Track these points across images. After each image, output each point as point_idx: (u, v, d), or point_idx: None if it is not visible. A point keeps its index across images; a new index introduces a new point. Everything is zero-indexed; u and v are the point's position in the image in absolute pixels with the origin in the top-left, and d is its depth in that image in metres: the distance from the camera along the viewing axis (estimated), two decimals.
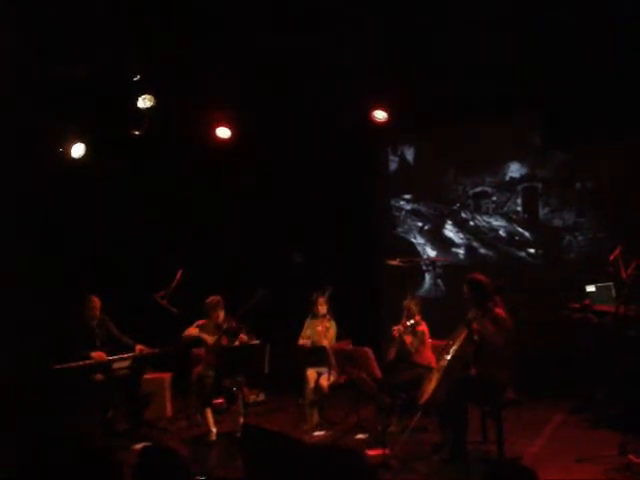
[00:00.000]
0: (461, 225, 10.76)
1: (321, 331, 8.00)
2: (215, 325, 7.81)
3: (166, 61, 7.87)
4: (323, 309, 8.08)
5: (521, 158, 10.36)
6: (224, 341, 7.69)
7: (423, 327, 7.64)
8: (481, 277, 6.52)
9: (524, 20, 7.19)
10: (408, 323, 7.54)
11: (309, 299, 8.18)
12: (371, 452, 6.69)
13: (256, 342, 7.56)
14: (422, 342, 7.57)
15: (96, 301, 7.98)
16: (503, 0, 7.00)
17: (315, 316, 8.14)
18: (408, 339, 7.55)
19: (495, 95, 8.86)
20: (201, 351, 7.93)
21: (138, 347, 7.90)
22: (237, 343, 7.69)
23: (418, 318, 7.64)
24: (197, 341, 7.94)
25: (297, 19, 7.15)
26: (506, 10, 6.98)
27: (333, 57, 7.82)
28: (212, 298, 7.88)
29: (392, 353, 7.65)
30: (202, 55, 7.88)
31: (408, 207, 11.11)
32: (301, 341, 8.14)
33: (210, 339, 7.73)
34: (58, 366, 7.36)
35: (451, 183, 10.80)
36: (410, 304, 7.77)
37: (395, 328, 7.62)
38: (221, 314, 7.83)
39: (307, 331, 8.17)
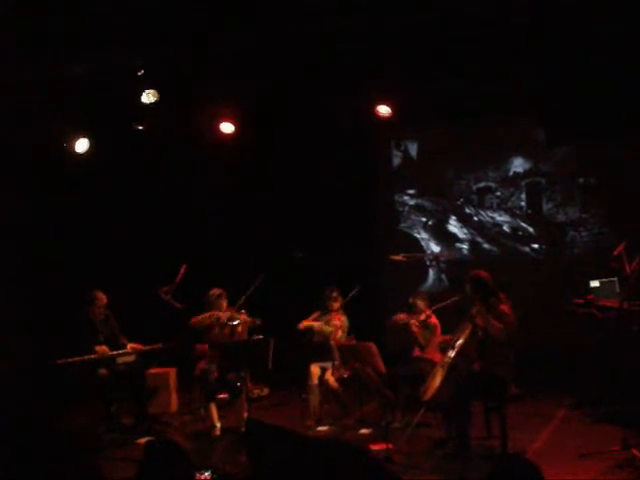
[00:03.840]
0: (465, 220, 10.75)
1: (337, 323, 8.01)
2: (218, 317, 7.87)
3: (170, 58, 7.88)
4: (337, 304, 8.08)
5: (525, 153, 10.36)
6: (226, 331, 7.72)
7: (434, 320, 7.65)
8: (483, 274, 6.52)
9: (525, 20, 7.18)
10: (422, 317, 7.58)
11: (320, 294, 8.17)
12: (375, 447, 6.71)
13: (258, 337, 7.56)
14: (434, 335, 7.59)
15: (102, 297, 8.00)
16: (504, 0, 6.99)
17: (327, 311, 8.12)
18: (420, 334, 7.60)
19: (498, 90, 8.84)
20: (205, 346, 7.95)
21: (129, 345, 7.92)
22: (239, 327, 7.70)
23: (429, 312, 7.64)
24: (201, 337, 7.96)
25: (300, 14, 7.14)
26: (506, 10, 6.97)
27: (336, 53, 7.81)
28: (214, 290, 7.94)
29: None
30: (205, 52, 7.88)
31: (412, 202, 11.10)
32: (301, 326, 8.10)
33: (222, 314, 7.76)
34: (61, 361, 7.37)
35: (455, 178, 10.79)
36: (415, 300, 7.78)
37: (412, 322, 7.62)
38: (223, 305, 7.87)
39: (315, 323, 8.10)
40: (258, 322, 7.70)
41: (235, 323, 7.70)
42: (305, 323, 8.09)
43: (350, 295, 8.03)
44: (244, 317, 7.74)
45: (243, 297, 7.71)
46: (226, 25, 7.34)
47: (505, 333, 6.20)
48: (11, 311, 8.91)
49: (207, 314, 7.85)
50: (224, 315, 7.77)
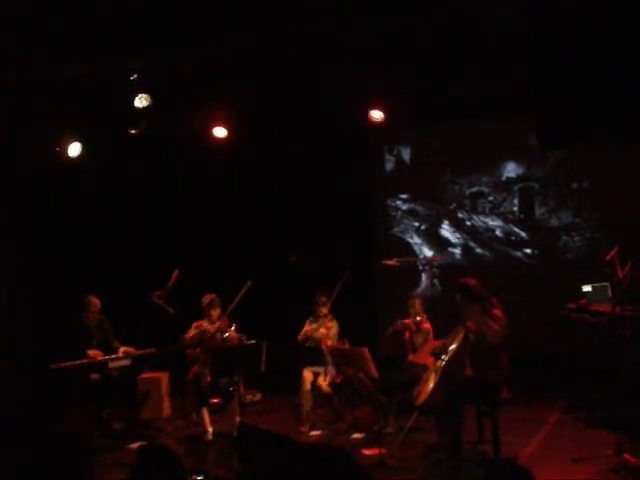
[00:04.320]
0: (458, 225, 10.77)
1: (323, 333, 7.99)
2: (211, 323, 7.86)
3: (164, 61, 7.88)
4: (325, 309, 8.07)
5: (518, 158, 10.38)
6: (218, 338, 7.71)
7: (427, 325, 7.70)
8: (471, 282, 6.50)
9: (523, 19, 7.19)
10: (418, 318, 7.62)
11: (311, 299, 8.16)
12: (367, 452, 6.71)
13: (251, 342, 7.54)
14: (426, 340, 7.62)
15: (96, 303, 7.98)
16: (503, 1, 7.00)
17: (316, 316, 8.12)
18: (415, 336, 7.63)
19: (491, 95, 8.86)
20: (197, 351, 7.93)
21: (122, 349, 7.89)
22: (231, 335, 7.70)
23: (424, 316, 7.69)
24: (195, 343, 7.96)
25: (295, 18, 7.14)
26: (506, 10, 6.98)
27: (330, 57, 7.81)
28: (207, 296, 7.94)
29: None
30: (200, 54, 7.87)
31: (404, 207, 11.12)
32: (300, 337, 8.11)
33: (210, 327, 7.76)
34: (54, 366, 7.34)
35: (448, 183, 10.81)
36: (414, 302, 7.83)
37: (408, 321, 7.66)
38: (215, 312, 7.86)
39: (308, 329, 8.13)
40: (244, 340, 7.68)
41: (225, 335, 7.68)
42: (302, 333, 8.10)
43: (333, 295, 7.95)
44: (233, 334, 7.72)
45: (230, 306, 7.72)
46: (226, 25, 7.33)
47: (500, 336, 6.21)
48: (11, 311, 8.88)
49: (194, 331, 7.85)
50: (212, 328, 7.77)
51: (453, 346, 6.47)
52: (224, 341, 7.70)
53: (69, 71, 7.82)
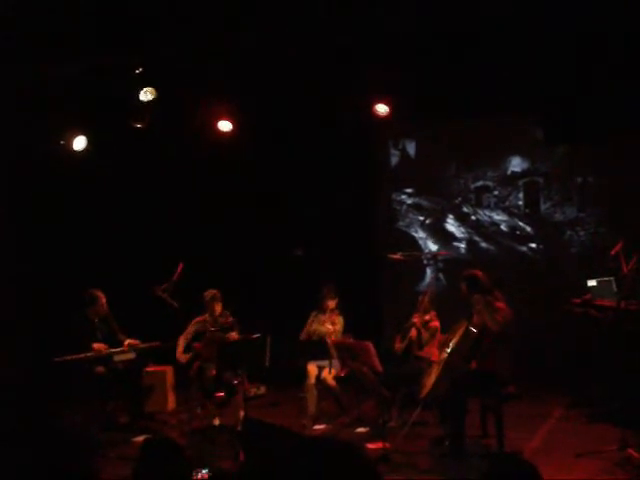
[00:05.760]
0: (462, 219, 10.75)
1: (330, 327, 7.98)
2: (213, 318, 7.89)
3: (168, 54, 7.88)
4: (332, 303, 8.05)
5: (523, 152, 10.35)
6: (219, 336, 7.73)
7: (436, 323, 7.67)
8: (478, 273, 6.54)
9: (524, 17, 7.18)
10: (427, 317, 7.61)
11: (317, 293, 8.15)
12: (371, 446, 6.71)
13: (255, 335, 7.55)
14: (433, 337, 7.60)
15: (103, 297, 7.97)
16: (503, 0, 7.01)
17: (323, 310, 8.10)
18: (422, 333, 7.62)
19: (497, 89, 8.83)
20: (197, 346, 7.93)
21: (126, 342, 7.90)
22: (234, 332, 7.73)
23: (433, 314, 7.67)
24: (195, 337, 7.98)
25: (299, 12, 7.13)
26: (506, 8, 6.98)
27: (335, 50, 7.81)
28: (209, 292, 7.96)
29: (399, 344, 7.68)
30: (204, 50, 7.87)
31: (409, 201, 11.09)
32: (303, 335, 8.11)
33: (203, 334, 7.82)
34: (58, 359, 7.35)
35: (452, 177, 10.79)
36: (423, 299, 7.81)
37: (416, 320, 7.66)
38: (217, 307, 7.88)
39: (312, 326, 8.12)
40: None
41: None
42: (304, 332, 8.10)
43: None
44: (234, 335, 7.74)
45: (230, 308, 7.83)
46: (226, 25, 7.34)
47: (499, 324, 6.22)
48: (11, 311, 8.90)
49: (189, 336, 7.91)
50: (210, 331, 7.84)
51: (454, 339, 6.49)
52: (225, 337, 7.72)
53: (69, 69, 7.82)
